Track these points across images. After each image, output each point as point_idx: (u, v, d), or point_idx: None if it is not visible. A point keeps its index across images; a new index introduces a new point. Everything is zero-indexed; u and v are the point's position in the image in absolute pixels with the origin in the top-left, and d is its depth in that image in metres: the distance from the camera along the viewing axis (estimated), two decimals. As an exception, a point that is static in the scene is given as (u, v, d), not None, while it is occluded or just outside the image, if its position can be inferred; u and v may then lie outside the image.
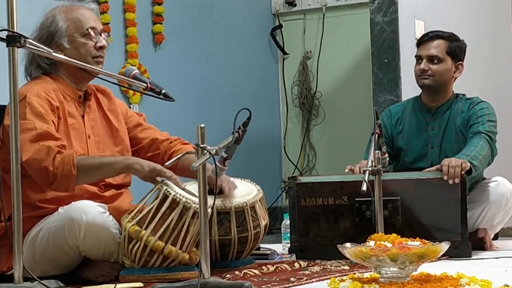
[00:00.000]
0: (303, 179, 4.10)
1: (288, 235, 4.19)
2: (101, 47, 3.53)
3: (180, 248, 3.31)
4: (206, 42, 6.32)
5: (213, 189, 3.06)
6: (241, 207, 3.60)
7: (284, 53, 6.95)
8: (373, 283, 2.84)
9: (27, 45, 2.87)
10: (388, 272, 2.87)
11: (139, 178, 3.44)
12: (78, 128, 3.50)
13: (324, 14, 6.80)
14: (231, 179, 3.70)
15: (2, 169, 3.10)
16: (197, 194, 2.99)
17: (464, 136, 4.33)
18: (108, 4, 5.44)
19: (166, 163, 3.18)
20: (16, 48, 2.83)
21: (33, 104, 3.35)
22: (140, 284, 3.23)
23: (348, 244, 2.95)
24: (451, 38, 4.44)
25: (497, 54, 6.43)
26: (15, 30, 2.83)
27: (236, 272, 3.41)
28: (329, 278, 3.06)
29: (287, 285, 3.13)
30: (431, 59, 4.39)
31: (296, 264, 3.68)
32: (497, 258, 3.87)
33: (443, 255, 3.02)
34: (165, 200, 3.31)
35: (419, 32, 5.30)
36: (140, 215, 3.32)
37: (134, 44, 5.62)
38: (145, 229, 3.29)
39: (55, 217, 3.33)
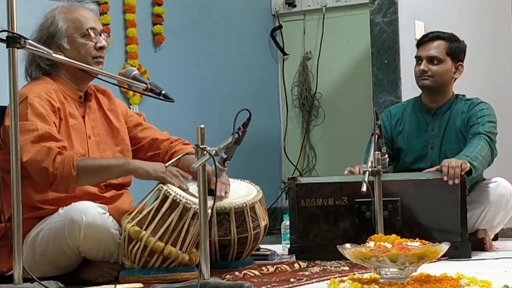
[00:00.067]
0: (303, 180, 4.09)
1: (288, 235, 4.19)
2: (101, 48, 3.53)
3: (180, 249, 3.31)
4: (206, 43, 6.31)
5: (212, 189, 3.07)
6: (240, 208, 3.60)
7: (284, 53, 6.94)
8: (373, 283, 2.84)
9: (27, 46, 2.87)
10: (388, 273, 2.87)
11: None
12: (79, 128, 3.51)
13: (324, 15, 6.79)
14: (231, 180, 3.70)
15: (3, 169, 3.11)
16: (197, 195, 2.99)
17: (464, 137, 4.33)
18: (108, 5, 5.44)
19: (166, 164, 3.19)
20: (16, 49, 2.83)
21: (34, 105, 3.35)
22: (140, 285, 3.23)
23: (348, 245, 2.95)
24: (451, 39, 4.44)
25: (497, 54, 6.42)
26: (15, 31, 2.83)
27: (236, 273, 3.41)
28: (329, 279, 3.06)
29: (287, 286, 3.13)
30: (431, 59, 4.39)
31: (296, 265, 3.68)
32: (497, 258, 3.87)
33: (443, 256, 3.02)
34: (165, 200, 3.31)
35: (419, 33, 5.29)
36: (140, 216, 3.32)
37: (134, 45, 5.62)
38: (145, 229, 3.29)
39: (55, 218, 3.33)
